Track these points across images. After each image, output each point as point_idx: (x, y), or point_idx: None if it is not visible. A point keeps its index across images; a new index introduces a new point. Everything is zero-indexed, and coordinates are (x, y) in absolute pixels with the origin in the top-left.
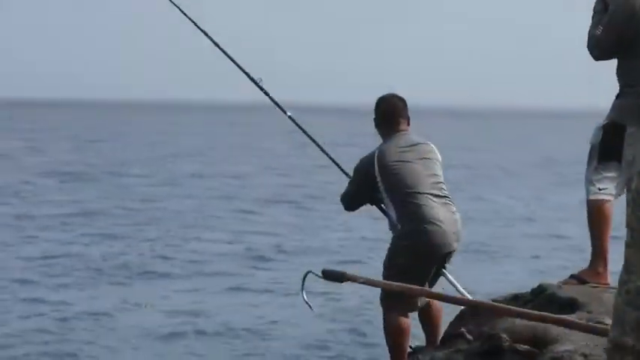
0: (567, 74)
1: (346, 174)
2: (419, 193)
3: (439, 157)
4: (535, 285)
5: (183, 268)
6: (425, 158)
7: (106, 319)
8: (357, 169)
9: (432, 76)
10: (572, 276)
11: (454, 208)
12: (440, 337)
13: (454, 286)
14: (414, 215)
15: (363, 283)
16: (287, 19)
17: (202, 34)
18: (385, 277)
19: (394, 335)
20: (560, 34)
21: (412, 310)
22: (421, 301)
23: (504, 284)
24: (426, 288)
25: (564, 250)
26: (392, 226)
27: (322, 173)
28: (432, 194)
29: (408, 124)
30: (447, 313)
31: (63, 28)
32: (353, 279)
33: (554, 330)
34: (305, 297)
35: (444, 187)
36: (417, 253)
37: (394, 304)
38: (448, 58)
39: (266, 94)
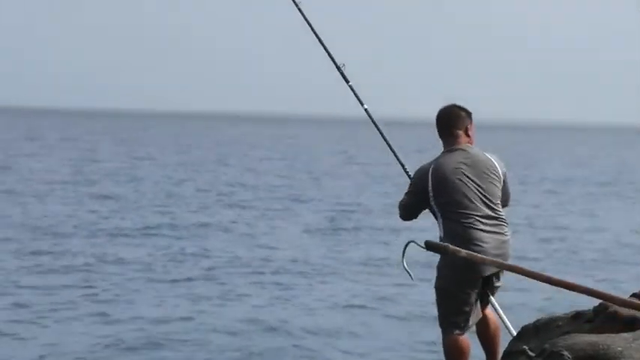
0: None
1: (409, 177)
2: (468, 213)
3: (500, 172)
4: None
5: (274, 275)
6: (483, 176)
7: (186, 319)
8: (412, 181)
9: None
10: (633, 294)
11: (505, 229)
12: (499, 354)
13: (497, 312)
14: (459, 236)
15: (465, 257)
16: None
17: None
18: (436, 300)
19: (454, 356)
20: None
21: (469, 328)
22: (476, 318)
23: (565, 297)
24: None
25: (628, 266)
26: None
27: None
28: (481, 215)
29: (468, 136)
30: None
31: None
32: (456, 252)
33: (617, 347)
34: (405, 265)
35: (497, 207)
36: (457, 276)
37: (451, 324)
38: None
39: (346, 80)
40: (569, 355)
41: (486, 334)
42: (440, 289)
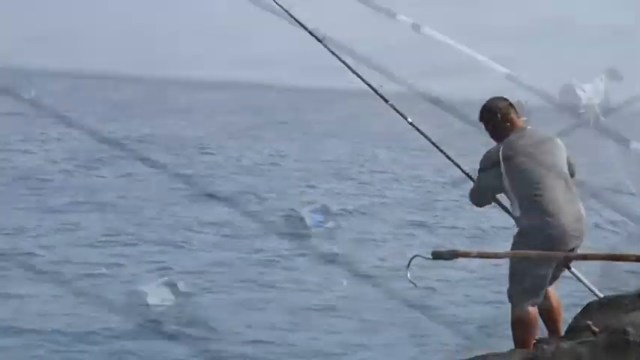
0: None
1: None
2: (544, 187)
3: (565, 153)
4: None
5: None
6: (551, 153)
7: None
8: (483, 161)
9: None
10: None
11: (580, 205)
12: (561, 330)
13: (582, 282)
14: (537, 210)
15: (476, 257)
16: None
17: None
18: (510, 275)
19: (522, 329)
20: None
21: (539, 302)
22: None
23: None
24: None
25: None
26: (515, 221)
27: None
28: (557, 189)
29: (519, 119)
30: (572, 304)
31: None
32: (467, 254)
33: None
34: (410, 277)
35: (569, 183)
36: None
37: (522, 297)
38: None
39: (385, 100)
40: (634, 332)
41: (549, 309)
42: (516, 262)
